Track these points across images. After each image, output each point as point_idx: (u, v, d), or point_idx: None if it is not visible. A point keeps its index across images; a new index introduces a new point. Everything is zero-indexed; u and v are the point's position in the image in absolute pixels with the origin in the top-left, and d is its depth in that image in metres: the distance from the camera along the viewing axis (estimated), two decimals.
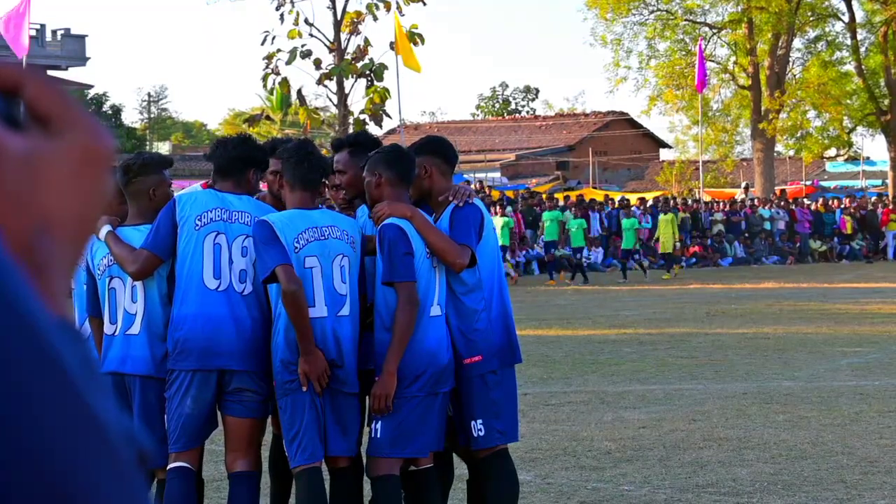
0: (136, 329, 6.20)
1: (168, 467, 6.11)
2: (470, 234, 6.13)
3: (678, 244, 36.70)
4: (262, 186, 6.69)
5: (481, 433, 6.20)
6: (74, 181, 0.76)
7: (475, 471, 6.41)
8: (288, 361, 6.00)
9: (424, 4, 35.87)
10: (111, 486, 0.69)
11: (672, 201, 42.00)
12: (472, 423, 6.20)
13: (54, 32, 58.51)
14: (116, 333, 6.23)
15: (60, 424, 0.68)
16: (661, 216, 35.95)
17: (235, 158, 6.27)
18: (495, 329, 6.25)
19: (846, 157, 63.51)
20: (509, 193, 41.46)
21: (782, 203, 45.30)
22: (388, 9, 35.55)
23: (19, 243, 0.73)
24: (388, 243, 6.00)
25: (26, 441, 0.66)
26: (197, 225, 6.11)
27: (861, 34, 54.39)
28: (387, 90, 36.03)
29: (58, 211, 0.76)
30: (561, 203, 37.95)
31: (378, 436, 6.05)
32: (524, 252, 34.90)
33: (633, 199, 43.46)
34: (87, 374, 0.72)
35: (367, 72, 36.22)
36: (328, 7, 37.08)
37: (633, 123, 70.96)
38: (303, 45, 36.00)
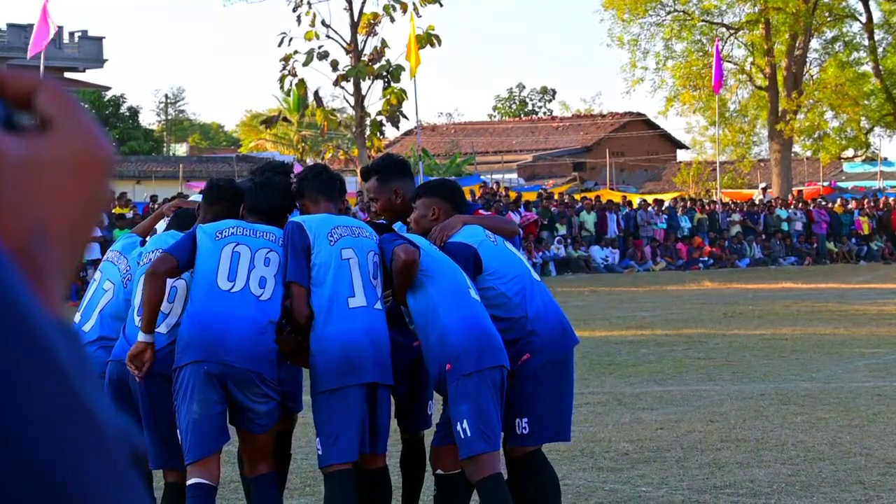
0: (163, 328, 6.24)
1: (187, 483, 6.04)
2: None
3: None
4: None
5: (525, 431, 6.11)
6: (71, 185, 0.77)
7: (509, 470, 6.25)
8: (333, 364, 5.93)
9: (441, 6, 35.88)
10: (106, 479, 0.70)
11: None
12: (517, 420, 6.10)
13: (72, 34, 58.61)
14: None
15: (56, 419, 0.69)
16: None
17: (274, 206, 6.40)
18: (541, 328, 6.18)
19: (864, 157, 63.31)
20: (527, 195, 41.37)
21: (800, 204, 45.21)
22: (404, 10, 35.59)
23: (15, 246, 0.73)
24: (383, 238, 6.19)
25: (24, 435, 0.67)
26: (217, 237, 6.17)
27: (878, 35, 54.30)
28: (403, 91, 36.10)
29: (54, 214, 0.76)
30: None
31: (469, 434, 5.82)
32: (541, 253, 34.87)
33: (649, 199, 43.40)
34: (82, 372, 0.72)
35: (384, 73, 36.28)
36: (345, 8, 37.15)
37: (649, 124, 70.83)
38: (320, 47, 36.10)
